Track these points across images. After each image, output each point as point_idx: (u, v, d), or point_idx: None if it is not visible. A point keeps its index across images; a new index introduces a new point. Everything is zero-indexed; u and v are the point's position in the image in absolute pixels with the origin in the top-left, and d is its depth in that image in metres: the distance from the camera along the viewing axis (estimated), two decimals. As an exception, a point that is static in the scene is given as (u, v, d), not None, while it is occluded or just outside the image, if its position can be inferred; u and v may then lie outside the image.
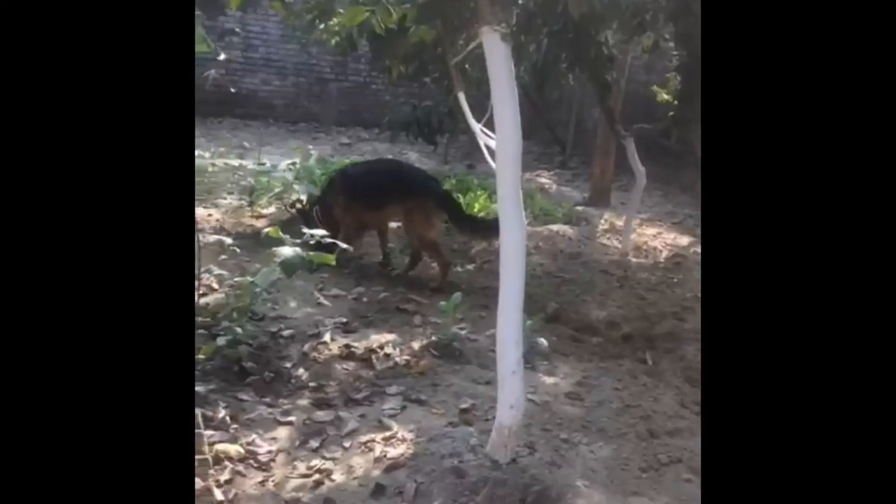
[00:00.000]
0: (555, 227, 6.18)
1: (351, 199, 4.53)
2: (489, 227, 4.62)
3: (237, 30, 10.35)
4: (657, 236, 6.35)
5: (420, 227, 4.45)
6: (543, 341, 3.52)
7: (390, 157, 8.52)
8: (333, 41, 5.84)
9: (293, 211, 4.80)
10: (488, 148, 2.42)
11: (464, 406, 2.76)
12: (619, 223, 6.29)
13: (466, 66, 4.10)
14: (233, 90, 10.49)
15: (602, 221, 6.69)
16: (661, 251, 5.89)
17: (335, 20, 4.13)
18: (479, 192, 6.75)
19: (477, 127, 2.54)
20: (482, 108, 2.41)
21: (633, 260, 5.53)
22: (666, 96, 6.25)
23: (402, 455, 2.35)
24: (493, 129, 2.28)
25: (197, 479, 2.13)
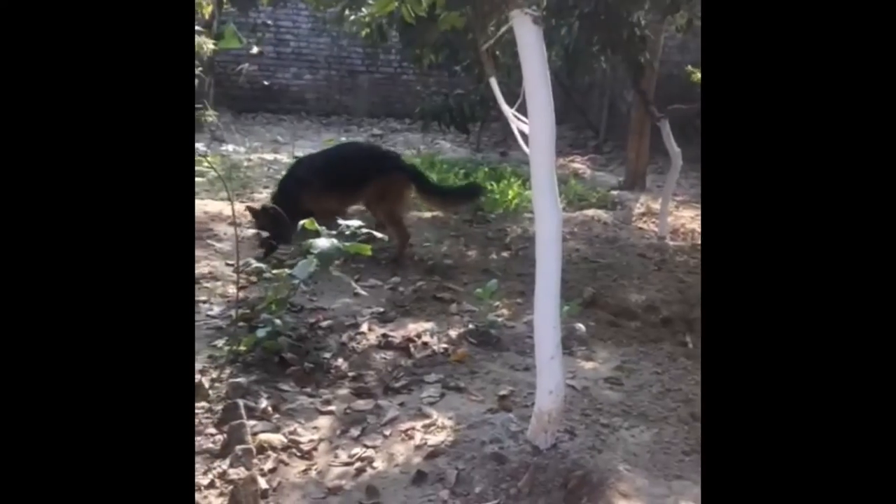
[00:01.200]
0: (590, 212, 6.13)
1: (325, 187, 4.47)
2: (458, 194, 4.83)
3: (268, 22, 10.44)
4: (694, 218, 6.25)
5: (393, 204, 4.54)
6: (581, 326, 3.50)
7: (423, 147, 8.51)
8: (364, 33, 5.85)
9: (248, 213, 4.49)
10: (521, 133, 2.40)
11: (503, 392, 2.76)
12: (656, 206, 6.21)
13: (497, 52, 4.08)
14: (266, 83, 10.59)
15: (638, 205, 6.62)
16: (698, 233, 5.81)
17: (365, 10, 4.14)
18: (512, 180, 6.73)
19: (509, 112, 2.52)
20: (513, 94, 2.39)
21: (671, 243, 5.46)
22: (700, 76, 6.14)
23: (443, 442, 2.36)
24: (525, 115, 2.27)
25: (241, 469, 2.17)
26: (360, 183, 4.54)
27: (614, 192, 7.07)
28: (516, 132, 2.45)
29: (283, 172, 5.10)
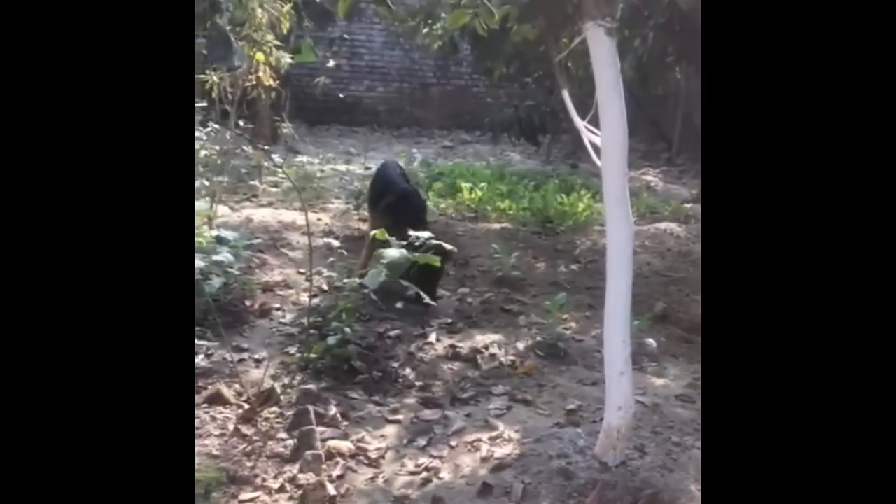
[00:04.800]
0: (662, 226, 6.01)
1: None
2: None
3: (344, 35, 10.65)
4: (773, 233, 6.06)
5: None
6: (652, 342, 3.44)
7: (492, 159, 8.50)
8: (436, 45, 5.91)
9: None
10: (593, 145, 2.38)
11: (570, 407, 2.73)
12: (732, 220, 6.04)
13: (569, 63, 4.06)
14: (341, 95, 10.80)
15: (713, 219, 6.44)
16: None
17: (438, 24, 4.18)
18: (582, 192, 6.66)
19: (581, 124, 2.51)
20: (584, 106, 2.37)
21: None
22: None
23: (509, 455, 2.35)
24: (597, 126, 2.25)
25: (310, 474, 2.21)
26: None
27: (688, 205, 6.91)
28: (588, 144, 2.43)
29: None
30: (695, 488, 2.19)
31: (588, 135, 2.47)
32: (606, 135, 2.18)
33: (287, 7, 4.45)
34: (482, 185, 6.58)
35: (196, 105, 4.05)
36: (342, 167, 7.63)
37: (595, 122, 2.25)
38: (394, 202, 4.09)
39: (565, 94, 2.60)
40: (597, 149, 2.31)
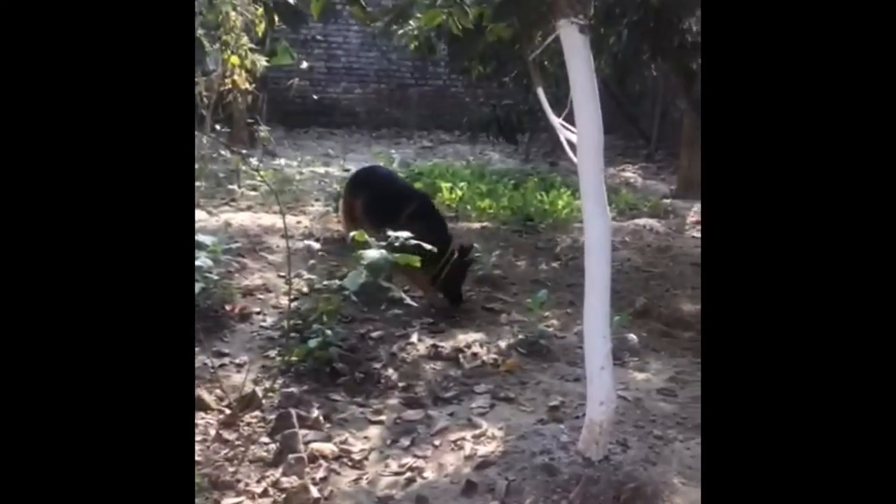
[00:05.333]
0: (641, 221, 6.05)
1: None
2: None
3: (319, 37, 10.62)
4: (750, 227, 6.11)
5: None
6: (633, 337, 3.46)
7: (472, 158, 8.51)
8: (412, 46, 5.89)
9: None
10: (569, 143, 2.39)
11: (553, 403, 2.74)
12: (710, 215, 6.09)
13: (545, 61, 4.07)
14: (315, 97, 10.76)
15: (691, 213, 6.50)
16: (754, 242, 5.67)
17: (413, 24, 4.17)
18: (562, 190, 6.69)
19: (557, 122, 2.52)
20: (561, 104, 2.38)
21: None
22: (755, 82, 6.02)
23: (493, 453, 2.35)
24: (573, 124, 2.26)
25: (293, 477, 2.20)
26: None
27: (666, 201, 6.96)
28: (564, 141, 2.44)
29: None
30: (677, 481, 2.21)
31: (564, 132, 2.48)
32: (582, 132, 2.19)
33: (260, 10, 4.43)
34: (462, 184, 6.58)
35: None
36: (321, 169, 7.61)
37: (571, 119, 2.26)
38: (418, 209, 4.01)
39: (540, 93, 2.60)
40: (573, 146, 2.32)
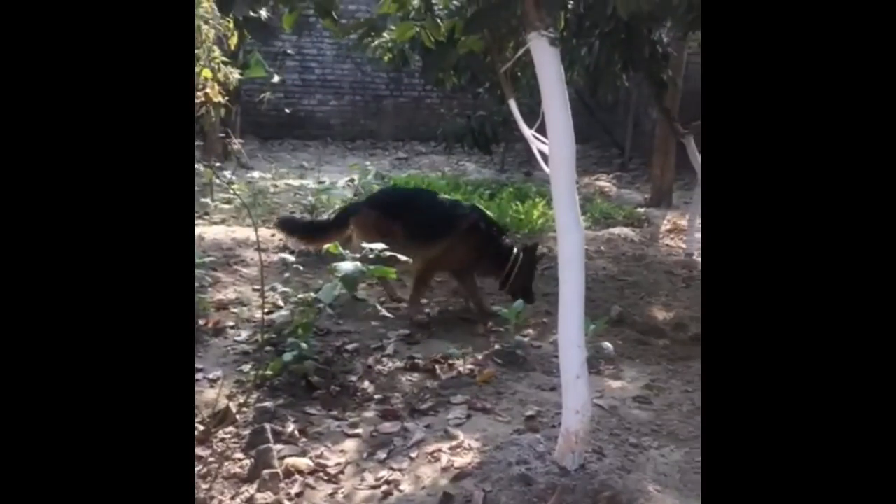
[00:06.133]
0: (616, 230, 6.10)
1: None
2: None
3: (289, 51, 10.61)
4: (723, 234, 6.18)
5: None
6: (609, 345, 3.48)
7: (447, 169, 8.54)
8: (386, 58, 5.92)
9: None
10: (542, 154, 2.41)
11: (529, 413, 2.74)
12: (683, 223, 6.16)
13: (518, 73, 4.10)
14: (287, 110, 10.74)
15: (665, 222, 6.57)
16: (727, 249, 5.74)
17: (386, 36, 4.19)
18: (537, 199, 6.72)
19: (529, 133, 2.53)
20: (535, 115, 2.40)
21: (699, 259, 5.40)
22: (725, 91, 6.09)
23: (469, 464, 2.35)
24: (545, 135, 2.27)
25: (268, 493, 2.18)
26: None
27: (641, 210, 7.02)
28: (536, 152, 2.46)
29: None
30: (652, 488, 2.22)
31: (537, 143, 2.50)
32: (554, 143, 2.20)
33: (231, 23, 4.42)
34: (437, 195, 6.59)
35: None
36: (296, 182, 7.58)
37: (543, 130, 2.28)
38: (475, 222, 3.98)
39: (512, 104, 2.62)
40: (546, 157, 2.34)
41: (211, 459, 2.37)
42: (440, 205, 4.11)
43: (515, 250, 3.99)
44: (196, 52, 4.14)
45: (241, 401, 2.75)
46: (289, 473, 2.30)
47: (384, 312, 3.69)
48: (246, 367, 3.08)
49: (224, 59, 4.54)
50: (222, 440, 2.50)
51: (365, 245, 3.03)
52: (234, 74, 4.76)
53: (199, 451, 2.41)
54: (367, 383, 3.03)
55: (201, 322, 3.48)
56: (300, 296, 3.23)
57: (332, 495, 2.24)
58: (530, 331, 3.74)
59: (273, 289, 3.52)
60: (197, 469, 2.31)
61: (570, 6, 3.88)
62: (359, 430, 2.64)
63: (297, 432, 2.57)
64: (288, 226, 4.42)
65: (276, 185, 7.22)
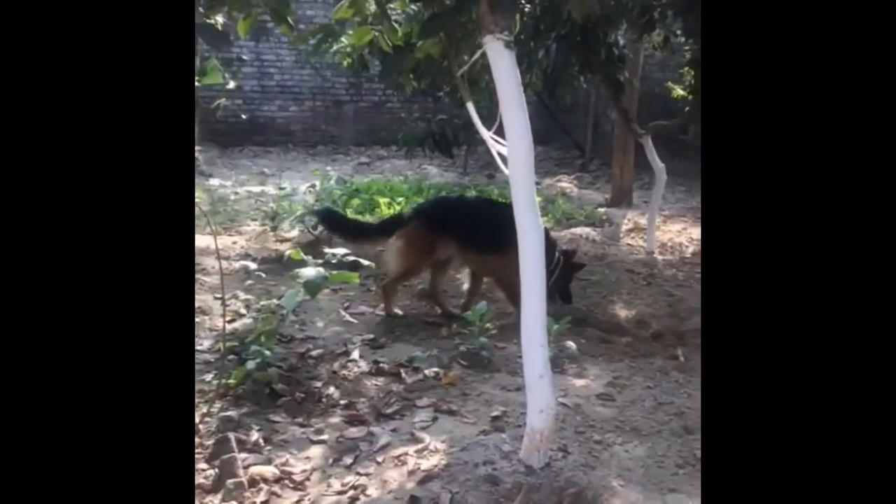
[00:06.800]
0: (578, 230, 6.17)
1: None
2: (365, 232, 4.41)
3: (244, 57, 10.52)
4: (682, 232, 6.30)
5: None
6: (572, 344, 3.51)
7: (410, 173, 8.54)
8: (346, 63, 5.90)
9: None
10: (501, 156, 2.43)
11: (495, 414, 2.76)
12: (643, 222, 6.25)
13: (475, 76, 4.12)
14: (244, 116, 10.65)
15: (626, 221, 6.66)
16: (687, 247, 5.85)
17: (344, 41, 4.18)
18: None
19: (488, 135, 2.55)
20: (494, 118, 2.42)
21: (659, 257, 5.49)
22: (681, 92, 6.22)
23: (436, 466, 2.35)
24: (504, 137, 2.29)
25: (233, 503, 2.16)
26: None
27: (601, 210, 7.11)
28: (495, 154, 2.48)
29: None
30: (616, 483, 2.25)
31: (496, 146, 2.52)
32: (511, 145, 2.23)
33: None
34: (400, 199, 6.60)
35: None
36: (256, 188, 7.53)
37: (501, 132, 2.30)
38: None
39: (470, 107, 2.64)
40: (505, 159, 2.36)
41: (174, 471, 2.34)
42: (496, 209, 4.01)
43: (557, 254, 4.04)
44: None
45: (205, 410, 2.72)
46: (254, 482, 2.28)
47: (348, 318, 3.69)
48: (208, 377, 3.04)
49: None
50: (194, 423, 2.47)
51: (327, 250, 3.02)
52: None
53: (161, 462, 2.38)
54: (332, 389, 3.02)
55: (162, 332, 3.42)
56: (263, 303, 3.21)
57: (298, 502, 2.23)
58: (495, 332, 3.76)
59: (235, 297, 3.49)
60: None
61: (526, 10, 3.92)
62: (324, 437, 2.63)
63: (261, 440, 2.55)
64: (330, 220, 4.45)
65: (236, 193, 7.16)
